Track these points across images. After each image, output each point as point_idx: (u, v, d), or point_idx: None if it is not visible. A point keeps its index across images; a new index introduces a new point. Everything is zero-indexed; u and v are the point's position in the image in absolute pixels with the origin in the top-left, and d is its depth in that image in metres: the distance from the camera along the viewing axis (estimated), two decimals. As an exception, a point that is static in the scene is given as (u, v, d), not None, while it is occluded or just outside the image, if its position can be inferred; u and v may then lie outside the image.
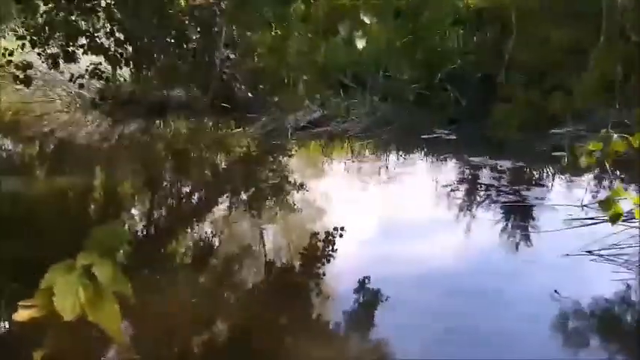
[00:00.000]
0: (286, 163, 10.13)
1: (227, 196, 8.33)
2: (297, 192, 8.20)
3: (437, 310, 4.57)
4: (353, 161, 10.14)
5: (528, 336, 4.23)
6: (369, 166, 9.55)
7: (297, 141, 11.48)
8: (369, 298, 4.91)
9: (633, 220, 6.16)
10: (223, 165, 10.07)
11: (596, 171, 8.76)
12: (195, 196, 8.53)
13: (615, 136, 2.10)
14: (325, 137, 11.51)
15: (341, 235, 6.25)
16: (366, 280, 5.09)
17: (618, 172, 8.17)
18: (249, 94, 10.66)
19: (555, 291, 4.75)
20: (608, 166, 2.11)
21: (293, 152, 11.03)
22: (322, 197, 8.02)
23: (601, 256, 5.46)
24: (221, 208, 7.75)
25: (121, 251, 1.56)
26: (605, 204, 2.14)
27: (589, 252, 5.49)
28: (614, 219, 2.15)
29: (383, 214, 7.02)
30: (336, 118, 12.08)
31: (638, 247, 5.49)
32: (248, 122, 11.98)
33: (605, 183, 8.20)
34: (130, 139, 12.23)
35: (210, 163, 9.87)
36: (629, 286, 5.00)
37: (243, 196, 8.41)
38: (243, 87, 10.47)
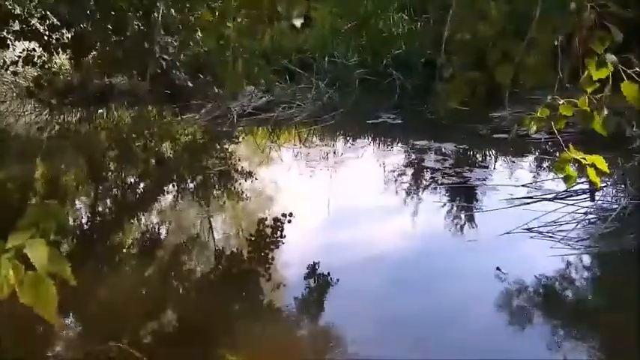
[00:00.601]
0: (233, 151, 10.06)
1: (173, 185, 8.22)
2: (245, 179, 8.15)
3: (385, 294, 4.65)
4: (300, 147, 10.14)
5: (473, 313, 4.37)
6: (316, 152, 9.57)
7: (243, 128, 11.40)
8: (318, 284, 4.95)
9: (570, 198, 6.43)
10: (169, 153, 9.90)
11: (537, 152, 9.06)
12: (141, 186, 8.38)
13: (562, 101, 2.17)
14: (272, 123, 11.46)
15: (289, 222, 6.27)
16: (316, 266, 5.13)
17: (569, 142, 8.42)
18: (190, 81, 10.47)
19: (498, 268, 4.91)
20: (556, 132, 2.18)
21: (239, 139, 10.96)
22: (270, 184, 8.01)
23: (540, 233, 5.66)
24: (167, 198, 7.65)
25: (61, 235, 1.51)
26: (557, 166, 2.20)
27: (528, 229, 5.68)
28: (567, 180, 2.21)
29: (331, 199, 7.06)
30: (283, 104, 12.04)
31: (574, 224, 5.73)
32: (192, 109, 11.82)
33: (545, 165, 8.46)
34: (71, 128, 11.89)
35: (155, 151, 9.69)
36: (567, 262, 5.20)
37: (190, 185, 8.32)
38: (183, 73, 10.27)
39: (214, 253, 5.70)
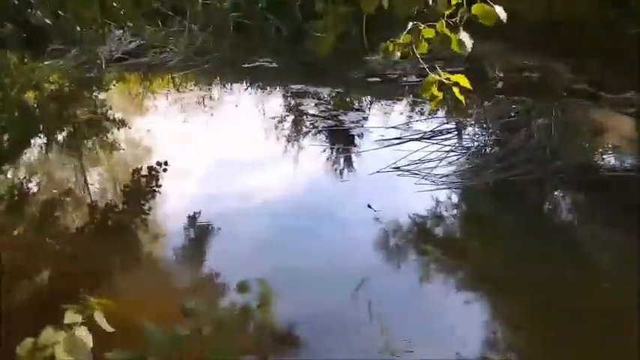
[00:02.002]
0: (103, 98, 9.62)
1: (42, 137, 7.79)
2: (118, 129, 7.89)
3: (268, 240, 4.77)
4: (175, 93, 9.90)
5: (351, 252, 4.63)
6: (191, 98, 9.40)
7: (112, 74, 10.90)
8: (199, 233, 4.98)
9: (436, 138, 6.86)
10: (33, 103, 9.30)
11: (410, 95, 9.47)
12: (4, 138, 7.85)
13: (423, 25, 2.28)
14: (143, 69, 11.05)
15: (165, 170, 6.20)
16: (196, 216, 5.15)
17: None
18: (50, 21, 9.72)
19: (369, 205, 5.21)
20: (419, 57, 2.29)
21: (109, 86, 10.48)
22: (145, 133, 7.81)
23: (408, 171, 6.03)
24: (35, 150, 7.26)
25: None
26: (424, 87, 2.34)
27: (397, 168, 6.03)
28: (432, 100, 2.36)
29: (210, 147, 7.03)
30: (154, 48, 11.60)
31: (438, 162, 6.15)
32: (56, 54, 11.08)
33: (418, 108, 8.87)
34: None
35: (19, 100, 9.06)
36: (432, 197, 5.60)
37: (59, 137, 7.92)
38: (39, 13, 9.49)
39: (89, 205, 5.55)
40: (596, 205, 5.76)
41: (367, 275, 4.12)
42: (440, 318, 3.88)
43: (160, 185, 5.91)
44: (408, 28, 2.39)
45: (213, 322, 1.19)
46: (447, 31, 2.24)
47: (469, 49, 2.30)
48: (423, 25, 2.34)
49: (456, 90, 2.32)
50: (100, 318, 1.27)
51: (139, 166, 6.46)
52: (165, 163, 6.31)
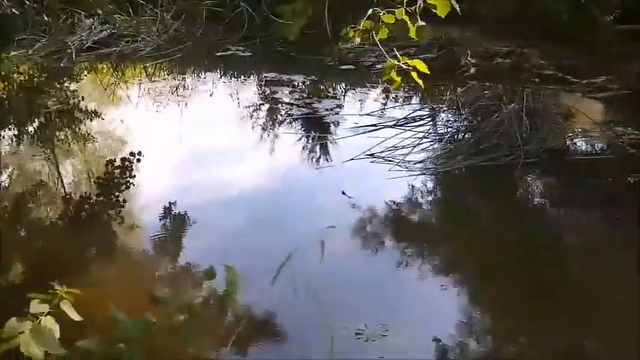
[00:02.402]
0: (75, 89, 9.47)
1: (12, 129, 7.65)
2: (91, 119, 7.80)
3: (243, 230, 4.76)
4: (147, 83, 9.79)
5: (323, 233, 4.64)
6: (165, 88, 9.31)
7: (83, 63, 10.72)
8: (174, 224, 4.96)
9: (409, 125, 6.91)
10: (2, 94, 9.13)
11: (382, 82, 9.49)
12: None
13: (383, 11, 2.30)
14: (115, 58, 10.88)
15: (139, 160, 6.15)
16: (172, 207, 5.12)
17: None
18: (16, 10, 9.50)
19: (343, 192, 5.24)
20: (378, 42, 2.31)
21: (81, 76, 10.31)
22: (118, 123, 7.73)
23: (382, 157, 6.07)
24: (5, 143, 7.13)
25: None
26: (384, 72, 2.37)
27: (371, 155, 6.07)
28: (392, 83, 2.39)
29: (184, 137, 6.99)
30: (125, 37, 11.42)
31: (411, 148, 6.20)
32: (25, 44, 10.84)
33: (392, 96, 8.89)
34: None
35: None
36: (407, 183, 5.64)
37: (30, 128, 7.79)
38: (5, 2, 9.26)
39: (61, 197, 5.49)
40: (566, 189, 5.87)
41: (344, 262, 4.16)
42: (416, 303, 3.92)
43: (134, 176, 5.86)
44: (368, 13, 2.42)
45: (183, 310, 1.19)
46: (406, 18, 2.27)
47: (427, 37, 2.34)
48: (382, 11, 2.37)
49: (414, 74, 2.36)
50: (67, 307, 1.27)
51: (112, 157, 6.40)
52: (139, 154, 6.26)
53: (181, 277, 4.21)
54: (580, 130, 7.03)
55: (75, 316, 1.32)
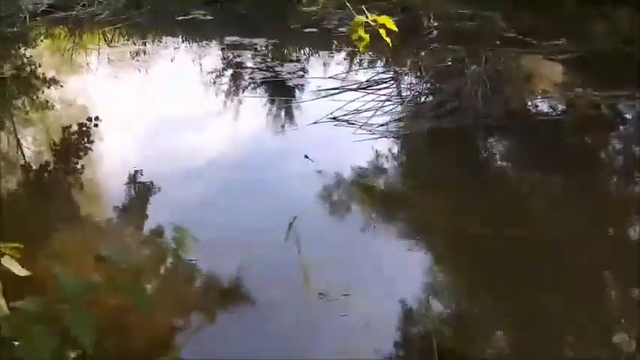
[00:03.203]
0: (30, 55, 9.17)
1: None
2: (49, 86, 7.58)
3: (207, 197, 4.71)
4: (106, 48, 9.53)
5: (288, 197, 4.65)
6: (124, 53, 9.08)
7: (38, 28, 10.37)
8: (140, 192, 4.88)
9: (372, 88, 6.89)
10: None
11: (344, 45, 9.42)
12: None
13: None
14: (71, 23, 10.55)
15: (96, 126, 6.03)
16: (137, 175, 5.04)
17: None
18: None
19: (305, 156, 5.22)
20: (348, 4, 2.29)
21: (36, 42, 9.98)
22: (77, 90, 7.53)
23: (345, 121, 6.05)
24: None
25: None
26: (351, 29, 2.34)
27: (334, 118, 6.05)
28: (360, 41, 2.36)
29: (146, 104, 6.85)
30: (82, 0, 11.06)
31: (374, 111, 6.19)
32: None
33: (356, 59, 8.83)
34: None
35: None
36: (370, 145, 5.65)
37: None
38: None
39: (20, 165, 5.35)
40: (527, 150, 5.95)
41: (307, 225, 4.16)
42: (380, 265, 3.94)
43: (93, 141, 5.74)
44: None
45: (129, 269, 1.17)
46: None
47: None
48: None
49: (382, 32, 2.33)
50: (10, 262, 1.23)
51: (71, 124, 6.24)
52: (97, 119, 6.13)
53: (133, 239, 4.16)
54: (541, 91, 7.11)
55: (20, 271, 1.28)
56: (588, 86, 7.23)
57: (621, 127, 6.64)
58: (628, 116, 6.98)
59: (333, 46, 9.49)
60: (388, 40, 2.36)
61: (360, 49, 2.40)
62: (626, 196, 5.14)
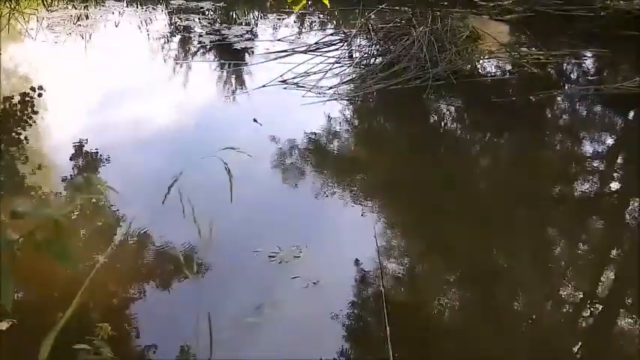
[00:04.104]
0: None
1: None
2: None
3: (155, 165, 4.63)
4: (45, 13, 9.16)
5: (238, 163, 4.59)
6: (65, 18, 8.75)
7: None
8: (87, 161, 4.75)
9: (321, 50, 6.85)
10: None
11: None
12: None
13: None
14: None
15: (40, 95, 5.83)
16: (83, 144, 4.90)
17: None
18: None
19: (254, 119, 5.18)
20: None
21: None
22: (17, 59, 7.24)
23: (294, 84, 6.02)
24: None
25: None
26: None
27: (283, 81, 6.01)
28: (296, 4, 2.34)
29: (91, 72, 6.64)
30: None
31: (323, 74, 6.17)
32: None
33: (306, 22, 8.74)
34: None
35: None
36: (318, 109, 5.64)
37: None
38: None
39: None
40: (473, 109, 6.06)
41: (257, 188, 4.15)
42: (330, 227, 3.96)
43: (37, 112, 5.56)
44: None
45: (48, 224, 1.13)
46: None
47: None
48: None
49: (321, -5, 2.31)
50: None
51: (13, 95, 6.00)
52: (40, 88, 5.92)
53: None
54: (487, 51, 7.20)
55: None
56: (532, 46, 7.37)
57: (566, 86, 6.81)
58: (572, 75, 7.17)
59: (268, 5, 9.32)
60: (326, 2, 2.35)
61: (295, 9, 2.37)
62: (569, 153, 5.31)
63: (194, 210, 2.92)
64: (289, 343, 2.94)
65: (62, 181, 4.43)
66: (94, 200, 1.19)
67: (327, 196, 4.32)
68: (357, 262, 3.53)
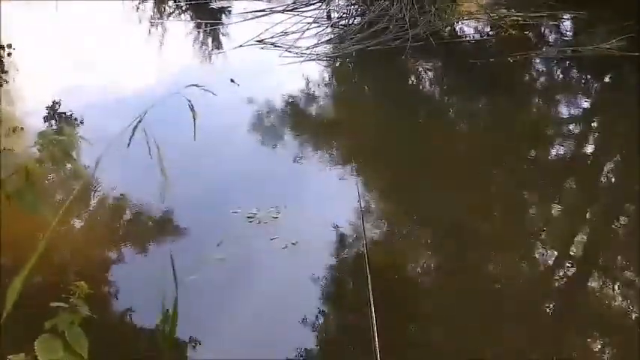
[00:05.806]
0: None
1: None
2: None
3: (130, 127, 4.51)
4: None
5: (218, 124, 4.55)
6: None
7: None
8: (59, 124, 4.65)
9: (298, 10, 6.74)
10: None
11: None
12: None
13: None
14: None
15: (9, 55, 5.68)
16: (56, 107, 4.79)
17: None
18: None
19: (232, 80, 5.11)
20: None
21: None
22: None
23: (272, 44, 5.93)
24: None
25: None
26: None
27: (260, 41, 5.91)
28: None
29: (64, 35, 6.45)
30: None
31: (301, 34, 6.08)
32: None
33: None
34: None
35: None
36: (295, 69, 5.58)
37: None
38: None
39: None
40: (451, 70, 6.04)
41: (236, 151, 4.11)
42: (308, 190, 3.96)
43: (7, 71, 5.41)
44: None
45: (17, 174, 1.11)
46: None
47: None
48: None
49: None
50: None
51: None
52: (9, 46, 5.77)
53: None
54: (466, 12, 7.15)
55: None
56: (511, 7, 7.32)
57: (544, 48, 6.80)
58: (551, 37, 7.16)
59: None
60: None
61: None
62: (544, 114, 5.34)
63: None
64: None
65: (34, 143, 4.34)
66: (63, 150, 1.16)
67: (307, 161, 4.27)
68: (336, 224, 3.52)
